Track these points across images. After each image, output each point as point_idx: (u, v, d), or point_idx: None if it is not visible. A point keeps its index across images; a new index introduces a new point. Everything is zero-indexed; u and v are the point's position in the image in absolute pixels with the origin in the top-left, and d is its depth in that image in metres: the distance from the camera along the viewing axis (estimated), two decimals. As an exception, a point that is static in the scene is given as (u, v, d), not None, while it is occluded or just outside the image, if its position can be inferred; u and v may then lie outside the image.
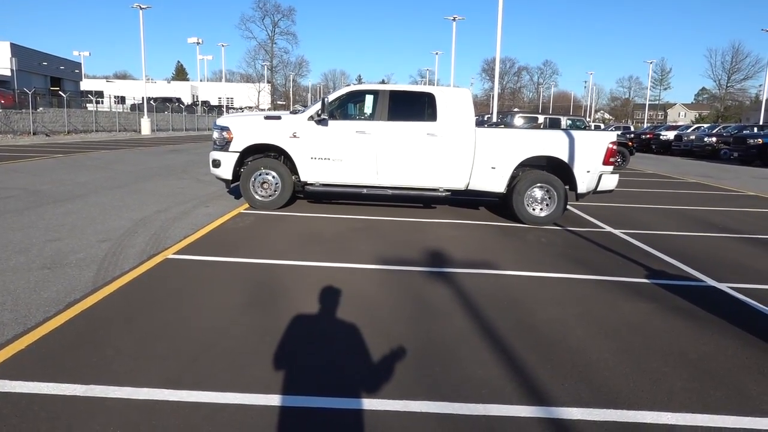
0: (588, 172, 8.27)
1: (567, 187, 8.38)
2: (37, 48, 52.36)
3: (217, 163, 8.60)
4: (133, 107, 49.64)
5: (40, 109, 31.87)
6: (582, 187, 8.33)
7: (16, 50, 47.31)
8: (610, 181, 8.44)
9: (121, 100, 59.38)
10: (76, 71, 60.99)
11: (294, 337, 3.80)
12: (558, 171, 8.37)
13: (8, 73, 45.61)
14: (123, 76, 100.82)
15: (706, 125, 38.26)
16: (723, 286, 5.38)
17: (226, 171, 8.56)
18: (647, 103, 70.04)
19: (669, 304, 4.80)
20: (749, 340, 4.04)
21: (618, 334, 4.08)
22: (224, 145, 8.53)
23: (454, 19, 41.22)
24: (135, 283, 4.82)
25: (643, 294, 5.08)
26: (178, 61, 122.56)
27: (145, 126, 39.01)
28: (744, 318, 4.52)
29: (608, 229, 8.19)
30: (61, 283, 4.73)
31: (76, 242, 6.14)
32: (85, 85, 66.34)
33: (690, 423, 2.87)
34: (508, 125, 19.15)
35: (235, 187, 9.06)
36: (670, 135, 33.43)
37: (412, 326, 4.09)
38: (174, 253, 5.81)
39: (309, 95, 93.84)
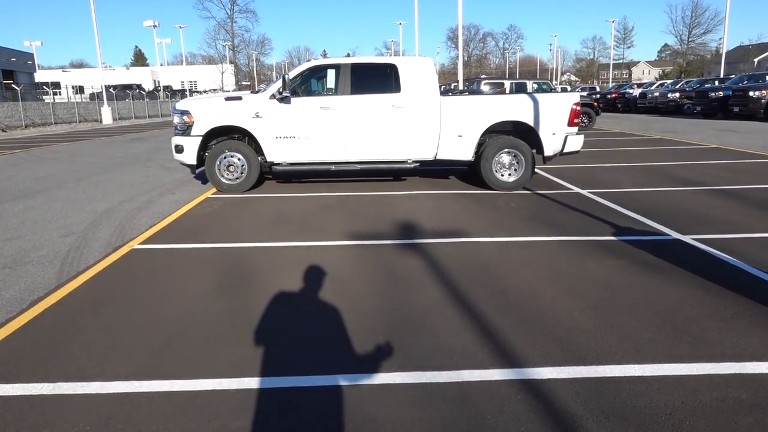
0: (553, 134, 8.32)
1: (534, 150, 8.43)
2: (-15, 40, 50.22)
3: (179, 149, 8.41)
4: (92, 96, 48.26)
5: (-6, 104, 30.75)
6: (548, 149, 8.40)
7: (-38, 44, 45.32)
8: (575, 143, 8.51)
9: (80, 89, 57.61)
10: (29, 62, 58.88)
11: (265, 319, 3.77)
12: (524, 135, 8.40)
13: (-45, 68, 43.79)
14: (80, 65, 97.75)
15: (669, 81, 38.78)
16: (687, 238, 5.50)
17: (189, 156, 8.38)
18: (611, 62, 70.69)
19: (635, 259, 4.90)
20: (711, 288, 4.15)
21: (586, 291, 4.15)
22: (186, 130, 8.33)
23: (415, -12, 40.62)
24: (100, 276, 4.72)
25: (610, 251, 5.17)
26: (137, 47, 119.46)
27: (106, 115, 37.93)
28: (706, 268, 4.64)
29: (576, 189, 8.29)
30: (23, 281, 4.60)
31: (38, 239, 5.98)
32: (40, 76, 64.11)
33: (657, 373, 2.94)
34: (474, 92, 19.12)
35: (201, 172, 8.90)
36: (635, 93, 33.81)
37: (385, 299, 4.10)
38: (140, 243, 5.70)
39: (274, 73, 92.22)
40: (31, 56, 60.43)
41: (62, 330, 3.63)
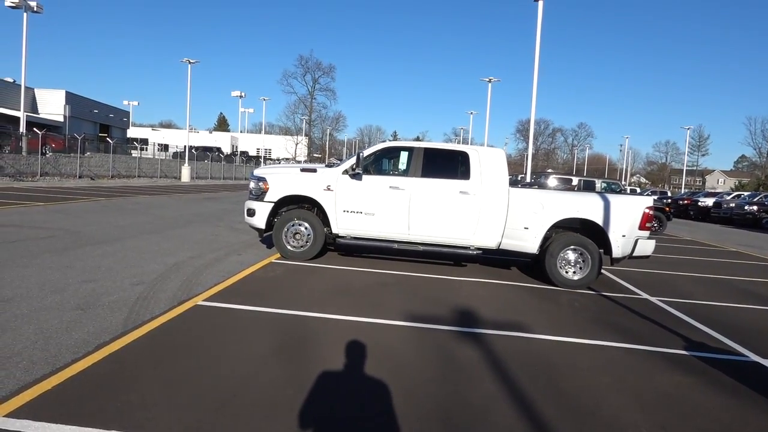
0: (623, 236, 8.11)
1: (601, 251, 8.22)
2: (90, 96, 55.27)
3: (251, 212, 8.77)
4: (175, 155, 51.55)
5: (88, 153, 33.26)
6: (617, 251, 8.16)
7: (70, 98, 49.99)
8: (646, 247, 8.25)
9: (165, 147, 61.70)
10: (125, 119, 63.87)
11: (318, 393, 3.73)
12: (592, 234, 8.23)
13: (61, 119, 48.06)
14: (168, 125, 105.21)
15: (746, 193, 37.44)
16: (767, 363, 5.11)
17: (260, 220, 8.71)
18: (684, 168, 69.18)
19: (709, 379, 4.57)
20: (798, 422, 3.79)
21: (654, 407, 3.88)
22: (260, 195, 8.71)
23: (489, 81, 42.03)
24: (164, 328, 4.85)
25: (681, 366, 4.86)
26: (221, 113, 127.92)
27: (185, 173, 40.29)
28: (792, 398, 4.26)
29: (644, 295, 7.94)
30: (92, 324, 4.79)
31: (111, 284, 6.26)
32: (132, 132, 69.22)
33: None
34: (542, 186, 19.10)
35: (268, 236, 9.18)
36: (709, 201, 32.77)
37: (440, 388, 3.98)
38: (204, 300, 5.85)
39: (345, 149, 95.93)
40: (127, 114, 65.70)
41: (121, 378, 3.72)
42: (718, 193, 38.80)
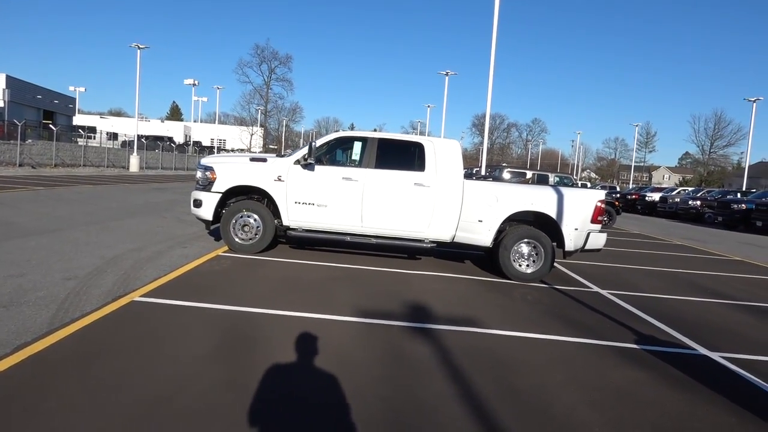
0: (576, 229, 8.14)
1: (554, 243, 8.23)
2: (34, 81, 52.64)
3: (198, 203, 8.37)
4: (123, 144, 49.71)
5: (29, 141, 31.64)
6: (570, 244, 8.19)
7: (11, 82, 47.46)
8: (598, 240, 8.31)
9: (114, 136, 59.44)
10: (70, 106, 61.20)
11: (261, 395, 3.49)
12: (546, 227, 8.23)
13: (0, 104, 45.56)
14: (118, 114, 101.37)
15: (690, 188, 38.90)
16: (715, 356, 5.16)
17: (207, 211, 8.32)
18: (633, 164, 71.33)
19: (659, 373, 4.56)
20: (745, 416, 3.80)
21: (607, 404, 3.82)
22: (207, 185, 8.32)
23: (446, 74, 42.14)
24: (94, 326, 4.50)
25: (631, 360, 4.84)
26: (174, 101, 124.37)
27: (134, 163, 38.85)
28: (739, 392, 4.29)
29: (596, 288, 7.99)
30: (14, 323, 4.40)
31: (40, 279, 5.82)
32: (79, 120, 66.40)
33: None
34: (497, 179, 19.22)
35: (216, 228, 8.81)
36: (656, 196, 33.86)
37: (389, 387, 3.81)
38: (141, 296, 5.50)
39: (301, 140, 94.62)
40: (73, 100, 62.94)
41: (41, 383, 3.39)
42: (665, 188, 40.16)
